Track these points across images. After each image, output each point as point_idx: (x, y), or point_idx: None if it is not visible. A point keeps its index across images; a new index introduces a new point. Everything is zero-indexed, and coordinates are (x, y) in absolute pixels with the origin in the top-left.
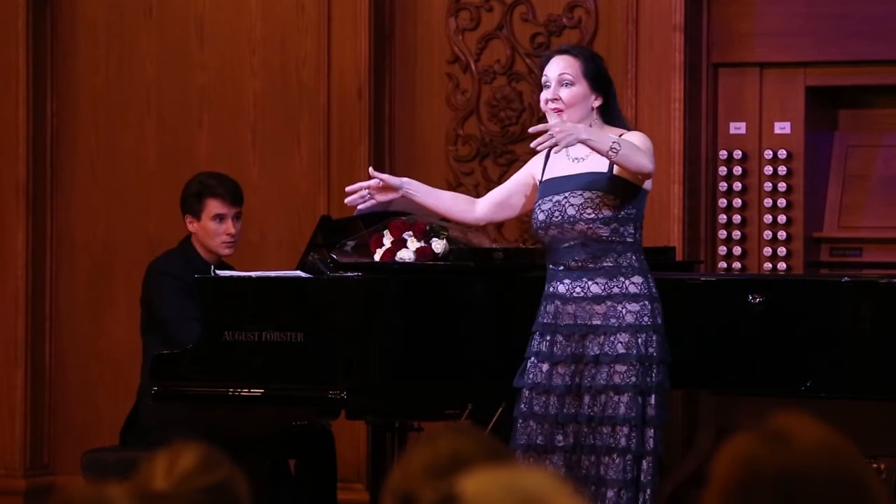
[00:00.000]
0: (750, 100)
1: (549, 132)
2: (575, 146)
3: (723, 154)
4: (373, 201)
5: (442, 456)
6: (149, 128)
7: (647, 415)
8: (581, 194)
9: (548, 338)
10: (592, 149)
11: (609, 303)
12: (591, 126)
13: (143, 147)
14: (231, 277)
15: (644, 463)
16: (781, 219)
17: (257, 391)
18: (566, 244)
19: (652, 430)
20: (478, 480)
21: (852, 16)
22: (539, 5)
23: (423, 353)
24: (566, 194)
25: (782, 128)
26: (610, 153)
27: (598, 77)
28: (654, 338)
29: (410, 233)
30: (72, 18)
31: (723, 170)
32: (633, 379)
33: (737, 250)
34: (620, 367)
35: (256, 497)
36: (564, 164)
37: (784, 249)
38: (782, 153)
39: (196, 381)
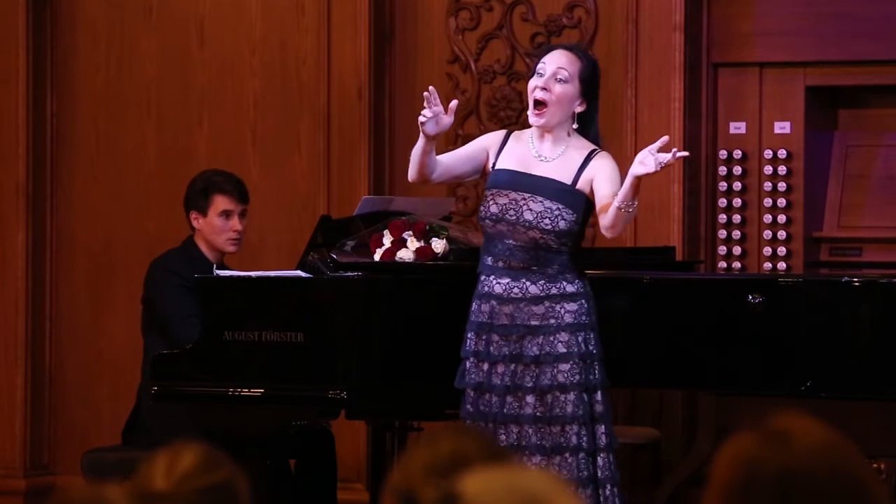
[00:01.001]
0: (750, 100)
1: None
2: (544, 143)
3: (723, 154)
4: (427, 124)
5: (442, 456)
6: (149, 128)
7: (596, 412)
8: (542, 202)
9: (484, 337)
10: (625, 190)
11: (547, 303)
12: (568, 135)
13: (143, 147)
14: (231, 277)
15: (599, 459)
16: (781, 219)
17: (257, 391)
18: (511, 242)
19: (603, 426)
20: (479, 480)
21: (852, 16)
22: (539, 5)
23: (422, 352)
24: (526, 196)
25: (782, 128)
26: (622, 205)
27: (590, 84)
28: (591, 336)
29: (410, 233)
30: (72, 18)
31: (723, 170)
32: (578, 377)
33: (737, 250)
34: (564, 367)
35: (256, 497)
36: (527, 157)
37: (784, 249)
38: (782, 153)
39: (196, 381)
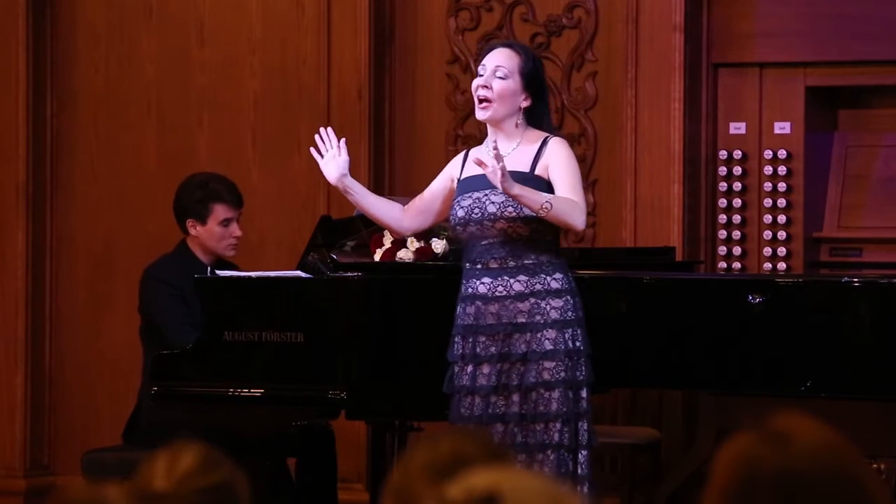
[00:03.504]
0: (750, 100)
1: (491, 169)
2: (499, 144)
3: (723, 154)
4: (327, 168)
5: (442, 456)
6: (149, 128)
7: (581, 408)
8: (502, 193)
9: (470, 340)
10: (523, 205)
11: (532, 300)
12: (516, 126)
13: (143, 147)
14: (231, 277)
15: (580, 456)
16: (781, 219)
17: (257, 391)
18: (485, 242)
19: (585, 423)
20: (512, 479)
21: (852, 16)
22: (539, 5)
23: (422, 353)
24: (487, 192)
25: (782, 128)
26: (541, 211)
27: (532, 77)
28: (578, 332)
29: None
30: (72, 19)
31: (723, 170)
32: (563, 374)
33: (737, 250)
34: (549, 364)
35: (257, 497)
36: (486, 160)
37: (784, 249)
38: (782, 153)
39: (196, 382)
